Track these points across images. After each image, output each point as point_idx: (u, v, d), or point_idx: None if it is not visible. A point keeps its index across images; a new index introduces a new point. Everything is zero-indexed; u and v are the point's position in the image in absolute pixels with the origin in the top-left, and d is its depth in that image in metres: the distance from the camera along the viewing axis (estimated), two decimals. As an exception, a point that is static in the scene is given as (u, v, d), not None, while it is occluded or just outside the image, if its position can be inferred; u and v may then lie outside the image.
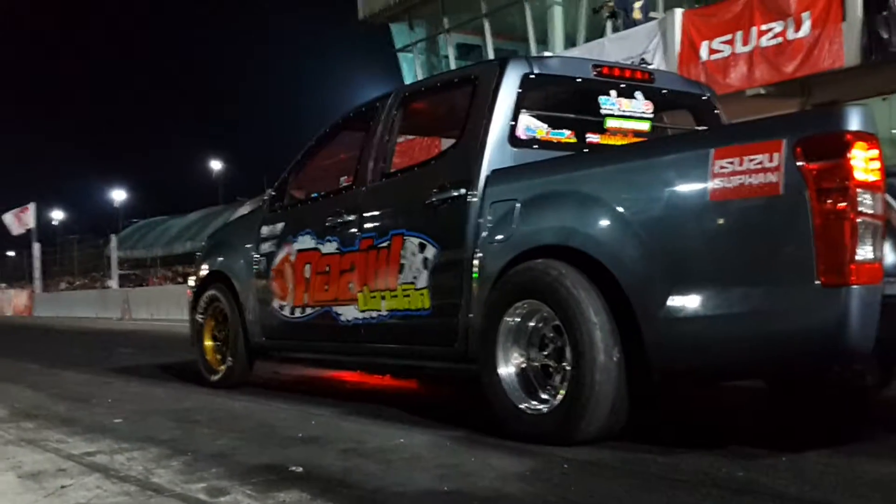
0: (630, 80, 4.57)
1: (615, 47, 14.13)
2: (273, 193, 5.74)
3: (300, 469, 3.20)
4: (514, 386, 3.72)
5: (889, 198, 3.12)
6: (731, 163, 3.10)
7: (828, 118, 3.14)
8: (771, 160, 3.00)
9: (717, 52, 12.21)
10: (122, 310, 22.94)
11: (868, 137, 2.90)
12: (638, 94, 4.53)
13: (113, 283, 29.84)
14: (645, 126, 4.55)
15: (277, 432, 4.08)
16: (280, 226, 5.50)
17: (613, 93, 4.46)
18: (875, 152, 2.90)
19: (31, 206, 32.81)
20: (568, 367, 3.49)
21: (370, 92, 5.27)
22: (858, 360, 3.17)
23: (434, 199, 4.25)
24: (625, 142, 4.41)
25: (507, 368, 3.75)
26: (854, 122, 2.91)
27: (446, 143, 5.28)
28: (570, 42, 17.33)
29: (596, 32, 16.15)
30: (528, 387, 3.71)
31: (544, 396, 3.64)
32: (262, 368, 6.11)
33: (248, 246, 5.75)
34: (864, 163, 2.87)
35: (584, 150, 4.35)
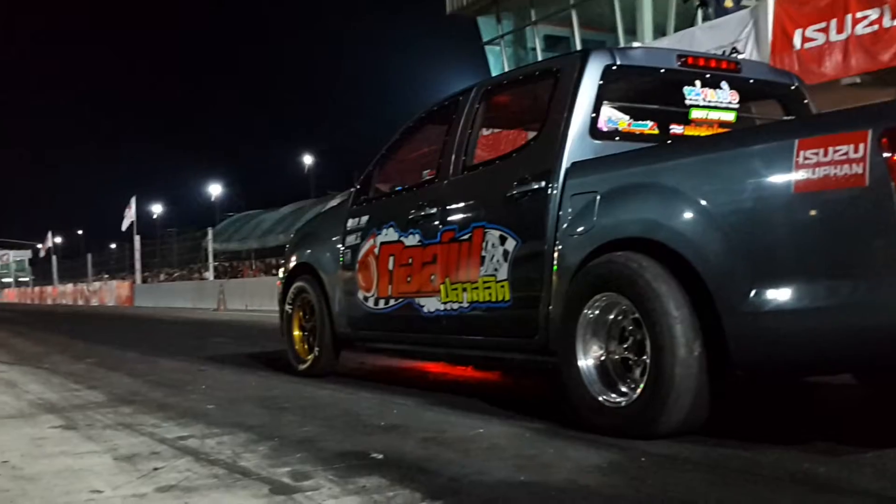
0: (716, 69, 4.50)
1: (706, 37, 13.81)
2: (358, 187, 5.87)
3: (381, 456, 3.28)
4: (593, 378, 3.73)
5: None
6: (816, 154, 3.05)
7: None
8: (856, 151, 2.94)
9: (811, 40, 11.80)
10: (218, 300, 23.63)
11: None
12: (724, 85, 4.47)
13: (209, 274, 30.76)
14: (731, 117, 4.47)
15: (360, 420, 4.17)
16: (365, 219, 5.61)
17: (698, 83, 4.39)
18: None
19: (132, 201, 34.14)
20: (647, 361, 3.46)
21: (457, 86, 5.31)
22: None
23: (515, 191, 4.27)
24: (710, 133, 4.36)
25: (587, 361, 3.75)
26: None
27: (529, 136, 5.29)
28: (660, 32, 17.02)
29: (686, 22, 15.83)
30: (607, 379, 3.71)
31: (623, 389, 3.64)
32: (347, 358, 6.24)
33: (335, 238, 5.87)
34: None
35: (668, 142, 4.30)
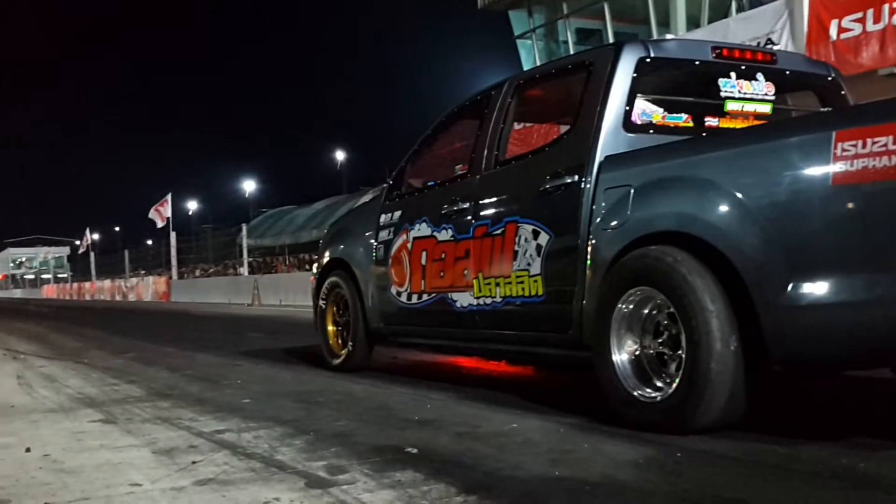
0: (751, 61, 4.45)
1: (740, 28, 13.67)
2: (391, 182, 5.87)
3: (415, 450, 3.29)
4: (627, 373, 3.71)
5: None
6: (854, 145, 3.00)
7: None
8: (895, 143, 2.90)
9: (848, 30, 11.63)
10: (252, 296, 23.82)
11: None
12: (759, 76, 4.41)
13: (243, 270, 31.02)
14: (767, 108, 4.41)
15: (395, 415, 4.19)
16: (398, 214, 5.63)
17: (733, 75, 4.34)
18: None
19: (168, 198, 34.50)
20: (683, 356, 3.44)
21: (488, 80, 5.34)
22: None
23: (548, 185, 4.26)
24: (745, 125, 4.31)
25: (621, 355, 3.74)
26: None
27: (562, 130, 5.27)
28: (694, 23, 16.86)
29: (720, 13, 15.70)
30: (641, 374, 3.69)
31: (658, 384, 3.62)
32: (381, 353, 6.27)
33: (368, 234, 5.89)
34: None
35: (702, 135, 4.27)
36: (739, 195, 3.35)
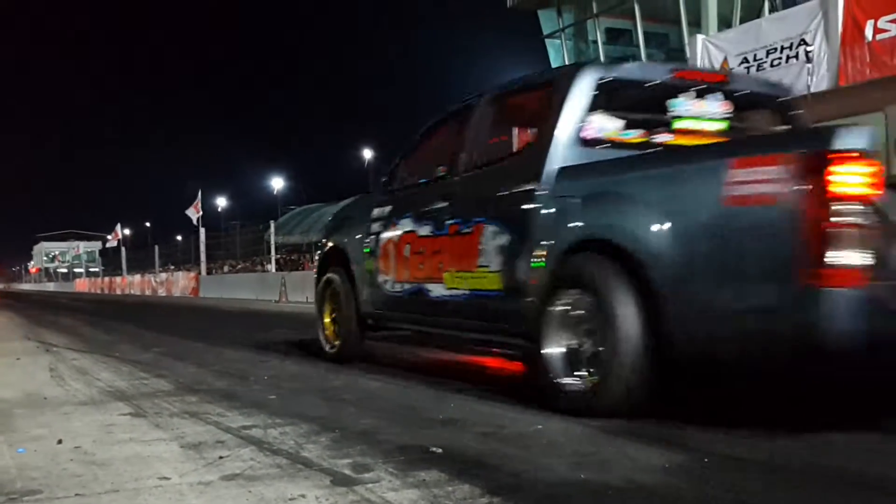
0: (705, 82, 4.80)
1: (773, 28, 13.56)
2: (385, 178, 6.28)
3: (440, 450, 3.30)
4: (557, 364, 4.16)
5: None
6: (743, 173, 3.46)
7: (816, 138, 3.47)
8: (773, 173, 3.35)
9: (884, 31, 11.48)
10: (279, 292, 23.95)
11: (857, 155, 3.17)
12: (714, 96, 4.74)
13: (271, 266, 31.20)
14: (720, 126, 4.74)
15: (418, 413, 4.21)
16: (388, 208, 6.02)
17: (689, 95, 4.68)
18: (864, 168, 3.16)
19: (198, 194, 34.82)
20: (602, 351, 3.90)
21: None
22: (841, 358, 3.29)
23: (509, 191, 4.67)
24: (698, 141, 4.58)
25: (555, 348, 4.18)
26: (842, 141, 3.19)
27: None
28: (725, 23, 16.70)
29: (752, 13, 15.54)
30: (569, 365, 4.12)
31: (582, 374, 4.04)
32: (404, 351, 6.29)
33: (362, 225, 6.29)
34: (846, 178, 3.16)
35: (652, 150, 4.52)
36: (654, 211, 3.79)
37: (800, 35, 12.74)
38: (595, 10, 19.89)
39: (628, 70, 4.86)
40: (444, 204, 5.25)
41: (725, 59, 14.38)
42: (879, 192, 3.18)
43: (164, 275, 39.40)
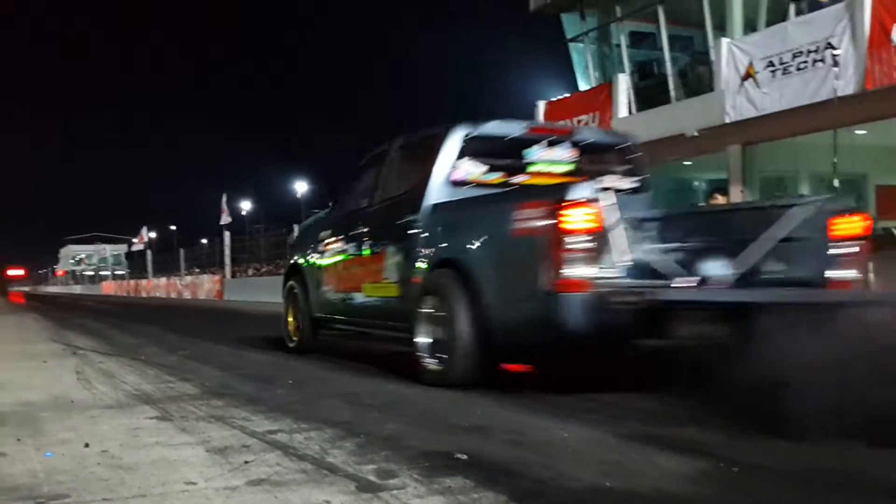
0: (554, 134, 6.30)
1: (799, 31, 13.42)
2: (331, 204, 7.89)
3: (465, 456, 3.30)
4: (425, 350, 5.57)
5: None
6: (521, 213, 4.98)
7: (558, 190, 4.81)
8: (535, 214, 4.85)
9: (912, 34, 11.33)
10: (303, 296, 23.96)
11: (581, 202, 4.62)
12: (564, 145, 6.18)
13: (294, 270, 31.23)
14: (567, 169, 6.17)
15: (443, 419, 4.21)
16: (330, 231, 7.49)
17: (541, 145, 6.11)
18: (587, 211, 4.61)
19: (223, 199, 35.00)
20: (450, 340, 5.28)
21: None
22: (579, 339, 4.61)
23: (402, 220, 6.06)
24: (549, 180, 6.01)
25: (423, 339, 5.60)
26: (572, 193, 4.66)
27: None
28: (750, 27, 16.53)
29: (778, 16, 15.37)
30: (431, 351, 5.51)
31: (440, 357, 5.42)
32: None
33: (313, 243, 7.78)
34: (574, 218, 4.60)
35: (509, 188, 5.88)
36: (476, 238, 5.32)
37: (826, 38, 12.60)
38: (619, 14, 19.76)
39: (490, 127, 6.13)
40: (365, 229, 6.73)
41: (751, 64, 14.27)
42: (599, 227, 4.63)
43: (189, 278, 39.65)
